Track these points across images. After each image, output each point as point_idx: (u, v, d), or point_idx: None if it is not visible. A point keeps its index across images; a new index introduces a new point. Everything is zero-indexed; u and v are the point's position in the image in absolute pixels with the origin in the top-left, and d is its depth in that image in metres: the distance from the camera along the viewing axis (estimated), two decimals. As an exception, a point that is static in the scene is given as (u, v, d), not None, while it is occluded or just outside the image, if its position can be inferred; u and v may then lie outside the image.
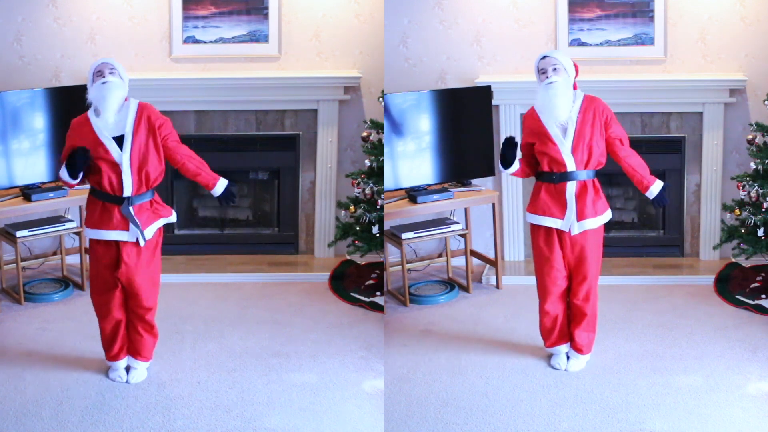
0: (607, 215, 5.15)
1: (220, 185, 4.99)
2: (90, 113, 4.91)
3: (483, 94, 6.57)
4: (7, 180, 6.28)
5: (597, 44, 6.76)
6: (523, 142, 5.21)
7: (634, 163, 5.08)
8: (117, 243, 4.93)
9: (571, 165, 5.05)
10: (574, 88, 5.09)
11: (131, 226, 4.89)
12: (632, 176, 5.10)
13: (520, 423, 4.72)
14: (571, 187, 5.07)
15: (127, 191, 4.87)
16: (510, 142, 5.09)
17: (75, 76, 6.68)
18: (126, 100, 4.97)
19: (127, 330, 5.10)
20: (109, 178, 4.86)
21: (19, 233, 6.17)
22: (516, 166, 5.14)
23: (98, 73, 4.90)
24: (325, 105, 6.84)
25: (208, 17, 6.80)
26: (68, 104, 6.32)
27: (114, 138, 4.86)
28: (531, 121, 5.14)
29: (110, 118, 4.86)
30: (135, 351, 5.11)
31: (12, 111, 6.24)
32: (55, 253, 6.80)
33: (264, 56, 6.83)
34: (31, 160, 6.30)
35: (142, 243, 4.91)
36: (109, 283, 4.99)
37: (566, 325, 5.26)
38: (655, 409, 4.81)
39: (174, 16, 6.76)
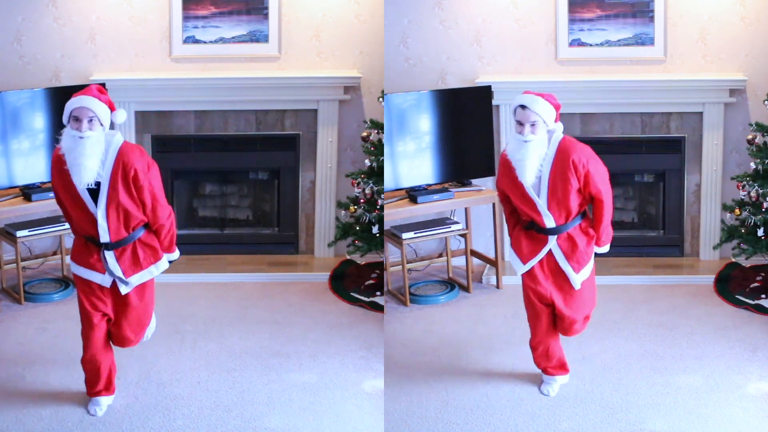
0: (592, 261, 4.85)
1: (169, 257, 4.70)
2: (63, 144, 4.41)
3: (483, 94, 6.57)
4: (7, 180, 6.28)
5: (597, 44, 6.76)
6: (500, 186, 4.88)
7: (600, 219, 4.77)
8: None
9: (550, 222, 4.74)
10: (556, 120, 4.68)
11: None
12: (595, 221, 4.81)
13: (520, 423, 4.72)
14: (552, 241, 4.79)
15: (104, 238, 4.48)
16: None
17: (75, 76, 6.68)
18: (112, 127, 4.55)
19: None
20: (82, 226, 4.51)
21: (19, 233, 6.17)
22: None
23: (75, 119, 4.35)
24: (325, 105, 6.84)
25: (208, 17, 6.80)
26: (68, 104, 6.33)
27: (90, 188, 4.42)
28: (506, 169, 4.75)
29: (85, 175, 4.36)
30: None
31: (12, 111, 6.24)
32: (55, 253, 6.79)
33: (264, 56, 6.83)
34: (31, 160, 6.30)
35: (122, 291, 4.57)
36: (92, 322, 4.62)
37: (563, 356, 5.06)
38: (655, 409, 4.81)
39: (174, 16, 6.76)
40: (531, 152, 4.60)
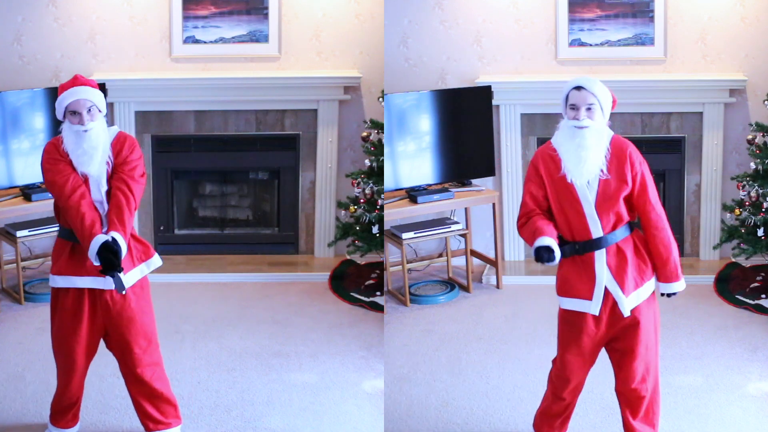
0: (650, 284, 4.08)
1: (96, 242, 3.99)
2: (66, 140, 4.13)
3: (483, 94, 6.57)
4: (7, 180, 6.28)
5: (597, 44, 6.76)
6: (532, 188, 4.08)
7: (663, 241, 4.01)
8: (90, 292, 4.20)
9: (597, 231, 3.98)
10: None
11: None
12: (654, 254, 4.04)
13: (520, 423, 4.72)
14: (600, 258, 3.99)
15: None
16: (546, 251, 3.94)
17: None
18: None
19: (133, 401, 4.43)
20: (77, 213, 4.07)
21: (19, 233, 6.17)
22: (557, 255, 3.95)
23: (72, 113, 4.10)
24: (325, 105, 6.84)
25: (208, 17, 6.80)
26: (68, 104, 6.32)
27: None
28: (550, 164, 4.01)
29: (93, 167, 4.10)
30: (148, 419, 4.42)
31: (12, 111, 6.24)
32: (55, 253, 6.79)
33: (264, 56, 6.83)
34: (31, 160, 6.30)
35: (123, 291, 4.09)
36: (81, 341, 4.25)
37: (571, 415, 4.41)
38: (655, 409, 4.81)
39: (174, 16, 6.76)
40: (589, 141, 3.91)
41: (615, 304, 4.03)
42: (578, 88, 3.95)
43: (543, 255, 3.90)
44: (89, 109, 4.11)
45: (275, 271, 6.72)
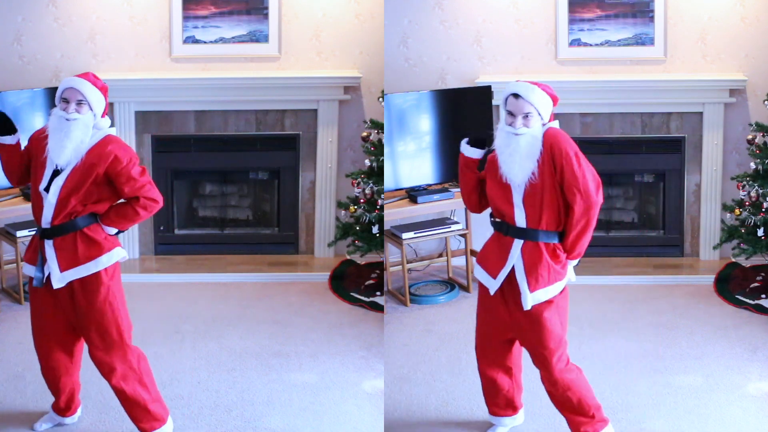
0: (559, 285, 4.15)
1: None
2: (49, 123, 4.20)
3: (483, 94, 6.57)
4: (7, 180, 6.26)
5: (597, 44, 6.76)
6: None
7: (575, 227, 4.05)
8: (48, 284, 4.23)
9: (521, 220, 4.10)
10: (551, 119, 4.13)
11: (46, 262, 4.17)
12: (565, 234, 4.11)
13: (520, 423, 4.71)
14: (517, 247, 4.12)
15: (45, 220, 4.14)
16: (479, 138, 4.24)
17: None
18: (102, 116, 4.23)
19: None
20: (34, 208, 4.22)
21: (19, 233, 6.17)
22: (480, 152, 4.23)
23: (64, 101, 4.14)
24: (325, 105, 6.84)
25: (208, 17, 6.80)
26: (68, 104, 6.32)
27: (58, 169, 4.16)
28: (492, 164, 4.18)
29: (62, 156, 4.11)
30: (132, 416, 4.47)
31: (12, 111, 6.23)
32: (55, 253, 6.79)
33: (264, 56, 6.83)
34: (31, 160, 6.29)
35: (54, 285, 4.15)
36: (44, 331, 4.33)
37: (512, 395, 4.53)
38: (655, 409, 4.81)
39: (174, 16, 6.76)
40: (523, 147, 4.01)
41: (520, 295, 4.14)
42: (516, 95, 4.04)
43: (480, 137, 4.20)
44: (79, 102, 4.14)
45: (275, 271, 6.72)
